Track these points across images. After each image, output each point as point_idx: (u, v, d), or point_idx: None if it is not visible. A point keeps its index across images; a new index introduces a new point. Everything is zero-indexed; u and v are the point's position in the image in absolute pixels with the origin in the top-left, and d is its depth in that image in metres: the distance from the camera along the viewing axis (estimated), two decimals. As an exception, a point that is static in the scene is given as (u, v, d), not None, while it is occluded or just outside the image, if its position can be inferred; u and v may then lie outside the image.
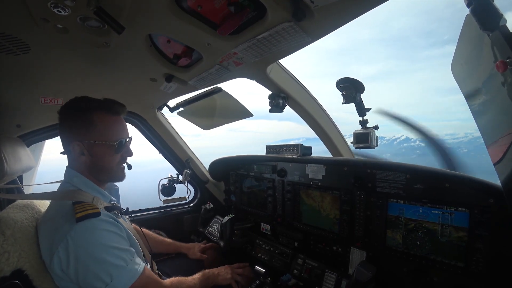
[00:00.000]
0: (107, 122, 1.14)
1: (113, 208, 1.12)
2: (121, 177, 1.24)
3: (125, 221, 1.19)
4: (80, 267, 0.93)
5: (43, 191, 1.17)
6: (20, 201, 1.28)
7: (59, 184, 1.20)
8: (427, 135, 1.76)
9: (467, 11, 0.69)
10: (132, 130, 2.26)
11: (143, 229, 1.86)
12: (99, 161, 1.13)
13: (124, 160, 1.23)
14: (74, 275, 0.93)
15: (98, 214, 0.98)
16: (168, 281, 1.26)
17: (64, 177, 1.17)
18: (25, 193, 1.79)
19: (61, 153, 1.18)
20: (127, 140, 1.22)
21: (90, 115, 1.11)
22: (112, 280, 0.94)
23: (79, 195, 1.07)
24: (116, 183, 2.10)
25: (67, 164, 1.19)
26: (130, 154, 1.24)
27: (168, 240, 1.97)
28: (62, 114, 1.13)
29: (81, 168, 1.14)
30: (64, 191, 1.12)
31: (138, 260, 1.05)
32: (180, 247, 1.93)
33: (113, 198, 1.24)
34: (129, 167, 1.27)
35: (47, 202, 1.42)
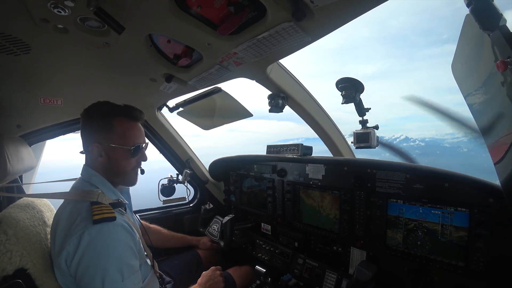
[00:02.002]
0: (125, 127, 1.19)
1: (119, 205, 1.13)
2: (134, 181, 1.29)
3: (130, 218, 1.20)
4: (81, 265, 0.95)
5: (44, 190, 1.19)
6: (21, 201, 1.29)
7: (62, 182, 1.21)
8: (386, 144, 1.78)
9: (467, 10, 0.69)
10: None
11: (155, 226, 1.99)
12: (115, 164, 1.19)
13: (139, 165, 1.29)
14: (74, 270, 0.96)
15: (113, 218, 1.02)
16: None
17: (82, 175, 1.22)
18: (26, 192, 1.79)
19: (81, 152, 1.24)
20: (143, 145, 1.27)
21: (110, 120, 1.16)
22: None
23: (87, 193, 1.10)
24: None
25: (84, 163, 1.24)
26: (145, 159, 1.29)
27: (179, 234, 2.12)
28: (84, 117, 1.18)
29: (98, 169, 1.19)
30: (78, 189, 1.15)
31: (137, 279, 1.05)
32: (191, 239, 2.16)
33: (126, 201, 1.26)
34: (142, 171, 1.32)
35: (48, 202, 1.42)
